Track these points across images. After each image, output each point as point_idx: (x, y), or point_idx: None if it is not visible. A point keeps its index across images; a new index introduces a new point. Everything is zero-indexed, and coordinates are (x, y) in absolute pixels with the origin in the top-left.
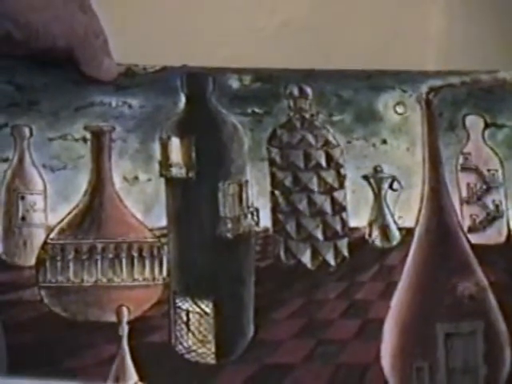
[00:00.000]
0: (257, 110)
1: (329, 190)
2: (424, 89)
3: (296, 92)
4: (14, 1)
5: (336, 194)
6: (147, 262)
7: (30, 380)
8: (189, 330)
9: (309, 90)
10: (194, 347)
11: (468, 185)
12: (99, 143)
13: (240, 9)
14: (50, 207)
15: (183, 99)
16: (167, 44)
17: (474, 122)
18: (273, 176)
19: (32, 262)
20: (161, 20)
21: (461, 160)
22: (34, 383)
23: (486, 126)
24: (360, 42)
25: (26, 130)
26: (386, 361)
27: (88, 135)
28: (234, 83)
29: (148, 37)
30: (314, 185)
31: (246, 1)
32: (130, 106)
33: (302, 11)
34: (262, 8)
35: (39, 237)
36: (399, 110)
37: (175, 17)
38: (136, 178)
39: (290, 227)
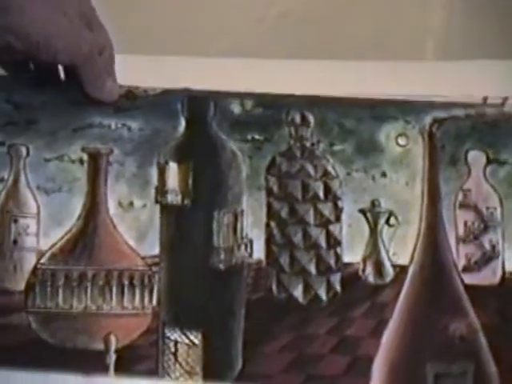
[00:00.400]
0: (257, 137)
1: (325, 223)
2: (428, 120)
3: (298, 119)
4: (16, 14)
5: (332, 228)
6: (137, 291)
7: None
8: (176, 360)
9: (311, 118)
10: (181, 378)
11: (465, 223)
12: (96, 166)
13: (238, 0)
14: (42, 231)
15: (183, 123)
16: (166, 36)
17: (476, 158)
18: (269, 206)
19: (21, 286)
20: (159, 12)
21: (460, 197)
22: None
23: (488, 161)
24: (359, 33)
25: (23, 150)
26: None
27: (85, 157)
28: (236, 108)
29: (147, 29)
30: (311, 217)
31: None
32: (129, 129)
33: (301, 2)
34: None
35: (30, 261)
36: (401, 141)
37: (174, 8)
38: (131, 203)
39: (284, 260)
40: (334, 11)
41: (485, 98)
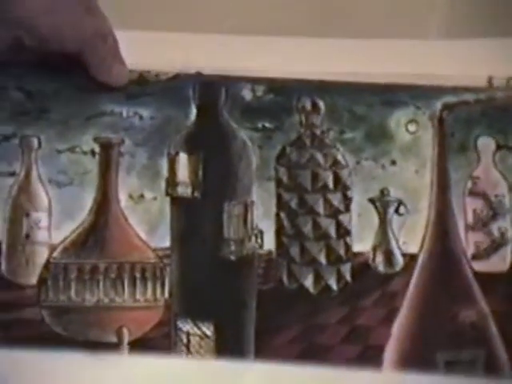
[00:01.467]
0: (267, 125)
1: (334, 213)
2: (438, 106)
3: (309, 106)
4: (21, 7)
5: (341, 218)
6: (149, 283)
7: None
8: (189, 352)
9: (321, 104)
10: None
11: (474, 211)
12: (107, 157)
13: None
14: (54, 225)
15: (194, 111)
16: (176, 12)
17: (486, 144)
18: (279, 197)
19: (34, 280)
20: None
21: (469, 184)
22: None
23: (498, 148)
24: (362, 11)
25: (35, 141)
26: None
27: (96, 148)
28: (247, 94)
29: (157, 5)
30: (320, 207)
31: None
32: (140, 117)
33: None
34: None
35: (42, 255)
36: (411, 128)
37: None
38: (142, 195)
39: (294, 251)
40: None
41: (490, 78)
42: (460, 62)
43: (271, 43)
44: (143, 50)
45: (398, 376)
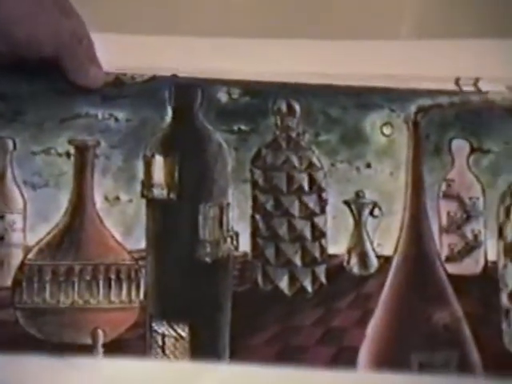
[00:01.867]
0: (243, 128)
1: (309, 215)
2: (413, 108)
3: (284, 108)
4: None
5: (316, 220)
6: (124, 285)
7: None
8: (164, 354)
9: (297, 107)
10: None
11: (448, 213)
12: (83, 159)
13: None
14: (29, 227)
15: (170, 113)
16: (150, 16)
17: (460, 147)
18: (254, 199)
19: (9, 282)
20: None
21: (443, 187)
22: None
23: (472, 150)
24: (333, 13)
25: (10, 143)
26: None
27: (72, 150)
28: (223, 97)
29: (132, 7)
30: (295, 209)
31: None
32: (116, 119)
33: None
34: None
35: (17, 257)
36: (386, 131)
37: None
38: (117, 198)
39: (269, 252)
40: None
41: (457, 79)
42: (428, 63)
43: (243, 45)
44: (118, 53)
45: (372, 376)
